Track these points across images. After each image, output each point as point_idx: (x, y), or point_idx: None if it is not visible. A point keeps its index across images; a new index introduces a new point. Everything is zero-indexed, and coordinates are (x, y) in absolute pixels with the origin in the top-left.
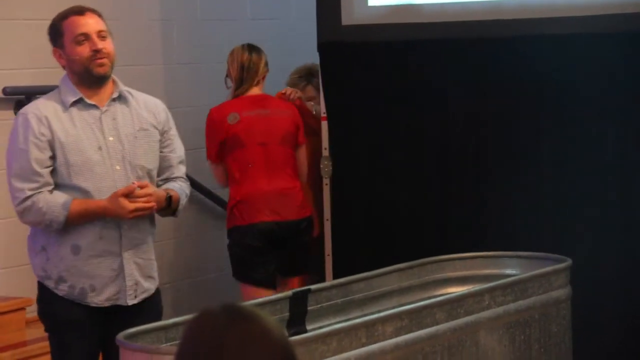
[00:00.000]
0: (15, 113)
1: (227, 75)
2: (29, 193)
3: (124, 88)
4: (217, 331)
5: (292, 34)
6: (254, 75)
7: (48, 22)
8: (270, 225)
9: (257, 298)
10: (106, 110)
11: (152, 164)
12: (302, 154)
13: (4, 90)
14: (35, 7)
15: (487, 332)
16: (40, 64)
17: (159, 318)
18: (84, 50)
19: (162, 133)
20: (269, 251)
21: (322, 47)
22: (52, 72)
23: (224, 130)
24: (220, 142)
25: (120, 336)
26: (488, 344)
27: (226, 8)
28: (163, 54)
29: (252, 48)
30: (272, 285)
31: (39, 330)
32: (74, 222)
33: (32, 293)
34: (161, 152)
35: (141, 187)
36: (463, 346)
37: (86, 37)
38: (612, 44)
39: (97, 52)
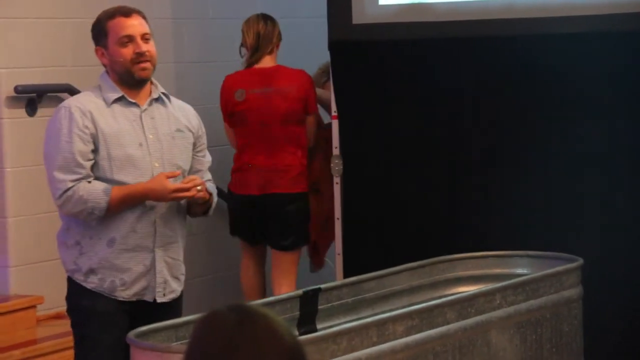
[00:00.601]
0: (27, 111)
1: (241, 45)
2: (71, 184)
3: (162, 90)
4: (227, 331)
5: (302, 32)
6: (269, 43)
7: (59, 20)
8: (258, 198)
9: (245, 252)
10: (145, 110)
11: (187, 165)
12: (310, 123)
13: (16, 89)
14: (46, 6)
15: (498, 332)
16: (51, 63)
17: None
18: (128, 52)
19: (197, 137)
20: (256, 221)
21: (332, 46)
22: (63, 70)
23: (231, 105)
24: (228, 113)
25: (131, 334)
26: (499, 343)
27: (237, 7)
28: (174, 53)
29: (267, 17)
30: (258, 243)
31: (50, 329)
32: (116, 208)
33: (43, 291)
34: (195, 156)
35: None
36: (474, 346)
37: (130, 39)
38: (625, 43)
39: (140, 54)
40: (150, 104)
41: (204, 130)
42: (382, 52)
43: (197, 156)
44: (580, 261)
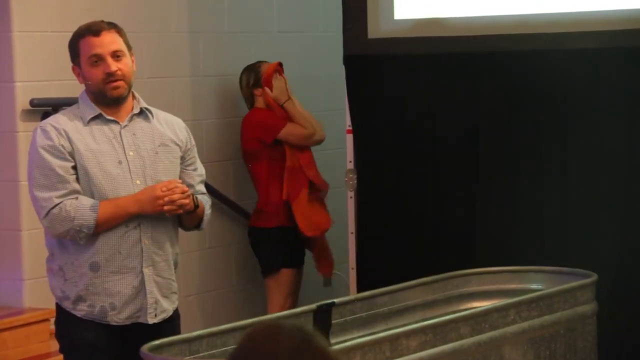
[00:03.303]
0: None
1: None
2: (57, 201)
3: (144, 105)
4: (293, 355)
5: (318, 47)
6: (246, 100)
7: None
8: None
9: None
10: (126, 126)
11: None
12: (288, 133)
13: (31, 102)
14: (62, 19)
15: (512, 347)
16: (67, 76)
17: None
18: (98, 72)
19: (185, 151)
20: None
21: (348, 60)
22: (79, 84)
23: None
24: None
25: (144, 348)
26: (513, 359)
27: (253, 20)
28: (190, 66)
29: (244, 69)
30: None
31: None
32: (105, 224)
33: None
34: (185, 170)
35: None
36: None
37: (99, 58)
38: (638, 58)
39: (110, 75)
40: (130, 119)
41: (193, 143)
42: (397, 67)
43: (187, 170)
44: (594, 277)
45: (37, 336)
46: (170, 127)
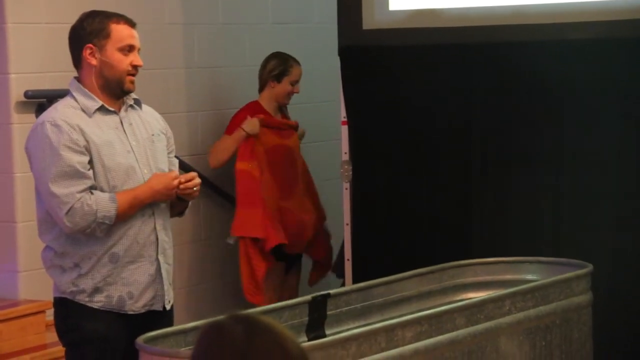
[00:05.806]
0: (37, 116)
1: None
2: (78, 196)
3: (134, 96)
4: (237, 345)
5: (313, 38)
6: (259, 83)
7: (69, 26)
8: None
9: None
10: (124, 117)
11: (167, 168)
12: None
13: (26, 94)
14: (56, 11)
15: (507, 338)
16: (61, 68)
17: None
18: (127, 61)
19: (167, 139)
20: None
21: (343, 51)
22: (73, 75)
23: None
24: None
25: (140, 340)
26: (508, 349)
27: (248, 12)
28: (184, 58)
29: (268, 57)
30: None
31: None
32: (124, 215)
33: (52, 296)
34: (167, 157)
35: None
36: (483, 352)
37: (131, 49)
38: (635, 49)
39: (136, 68)
40: (126, 110)
41: (171, 132)
42: (392, 58)
43: (169, 157)
44: (590, 267)
45: (32, 328)
46: (153, 117)
